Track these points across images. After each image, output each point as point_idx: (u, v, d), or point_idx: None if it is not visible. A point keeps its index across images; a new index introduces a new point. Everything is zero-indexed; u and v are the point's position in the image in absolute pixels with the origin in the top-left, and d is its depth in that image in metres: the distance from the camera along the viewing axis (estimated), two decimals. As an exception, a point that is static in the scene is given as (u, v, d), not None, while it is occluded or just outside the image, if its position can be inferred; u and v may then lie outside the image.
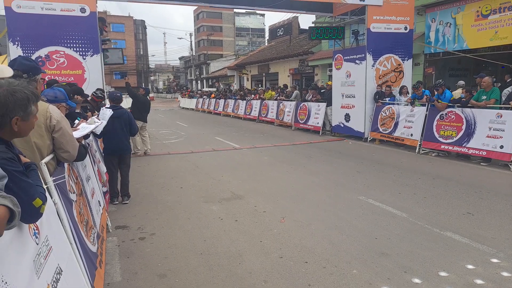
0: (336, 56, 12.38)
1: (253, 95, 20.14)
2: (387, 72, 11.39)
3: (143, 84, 59.22)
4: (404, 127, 9.94)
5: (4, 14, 7.78)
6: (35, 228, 1.75)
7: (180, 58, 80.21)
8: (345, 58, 11.94)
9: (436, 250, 3.82)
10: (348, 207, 5.24)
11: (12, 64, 2.58)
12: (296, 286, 3.20)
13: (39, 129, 2.47)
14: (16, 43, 7.77)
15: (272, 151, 9.94)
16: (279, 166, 8.07)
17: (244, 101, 20.13)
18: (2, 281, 1.30)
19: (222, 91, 30.78)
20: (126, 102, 12.10)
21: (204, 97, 29.39)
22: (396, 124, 10.23)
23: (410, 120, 9.78)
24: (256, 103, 18.63)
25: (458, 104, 8.72)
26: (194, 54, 63.11)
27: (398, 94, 10.95)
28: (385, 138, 10.61)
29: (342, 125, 12.19)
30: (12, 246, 1.47)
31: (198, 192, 6.12)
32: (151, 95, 54.22)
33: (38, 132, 2.47)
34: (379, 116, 10.86)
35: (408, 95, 10.60)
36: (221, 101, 23.90)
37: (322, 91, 13.95)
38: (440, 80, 9.53)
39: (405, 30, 11.39)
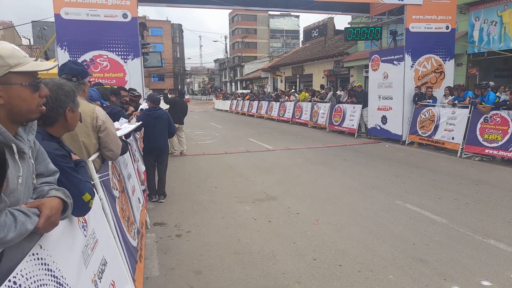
0: (373, 57, 12.11)
1: (286, 97, 20.11)
2: (427, 73, 10.99)
3: (179, 86, 60.77)
4: (445, 130, 9.54)
5: (54, 21, 8.30)
6: (83, 221, 1.87)
7: (215, 61, 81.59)
8: (382, 59, 11.65)
9: (478, 258, 3.64)
10: (384, 211, 5.11)
11: (62, 68, 2.76)
12: (329, 289, 3.17)
13: (86, 129, 2.62)
14: (64, 48, 8.25)
15: (305, 153, 9.88)
16: (312, 168, 8.01)
17: (278, 103, 20.14)
18: (56, 268, 1.40)
19: (256, 92, 30.97)
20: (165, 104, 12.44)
21: (238, 99, 29.70)
22: (436, 127, 9.84)
23: (452, 123, 9.38)
24: (289, 105, 18.59)
25: (504, 107, 8.26)
26: (228, 56, 63.97)
27: (442, 96, 10.50)
28: (424, 142, 10.23)
29: (379, 128, 11.89)
30: (64, 237, 1.58)
31: (232, 192, 6.20)
32: (186, 97, 55.55)
33: (86, 132, 2.62)
34: (418, 119, 10.49)
35: (450, 97, 10.15)
36: (255, 103, 24.05)
37: (352, 92, 13.65)
38: (489, 82, 9.09)
39: (447, 29, 10.94)
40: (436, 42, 10.88)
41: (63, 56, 8.05)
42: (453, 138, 9.26)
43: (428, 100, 10.47)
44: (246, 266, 3.60)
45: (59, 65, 2.91)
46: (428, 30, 10.77)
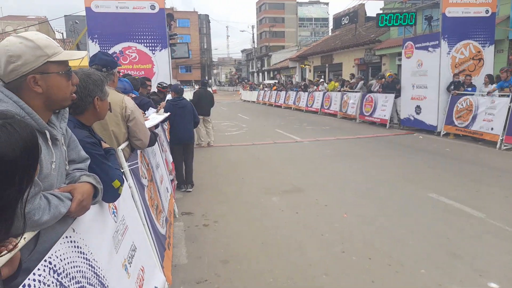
0: (406, 44, 11.64)
1: (315, 87, 19.80)
2: (465, 60, 10.45)
3: (206, 77, 61.15)
4: (484, 120, 9.06)
5: (85, 15, 8.52)
6: (113, 208, 1.91)
7: (242, 51, 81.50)
8: (416, 46, 11.18)
9: (519, 256, 3.45)
10: (417, 204, 4.94)
11: (93, 59, 2.81)
12: (358, 281, 3.11)
13: (116, 118, 2.67)
14: (94, 40, 8.46)
15: (334, 144, 9.71)
16: (342, 159, 7.86)
17: (306, 93, 19.87)
18: (88, 251, 1.44)
19: (283, 83, 30.70)
20: (189, 94, 12.55)
21: (266, 89, 29.56)
22: (474, 117, 9.37)
23: (491, 112, 8.89)
24: (318, 95, 18.29)
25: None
26: (256, 46, 63.68)
27: (482, 84, 9.94)
28: (461, 132, 9.78)
29: (412, 118, 11.48)
30: (95, 222, 1.61)
31: (259, 183, 6.19)
32: (214, 88, 55.93)
33: (115, 121, 2.67)
34: (455, 108, 10.02)
35: (490, 85, 9.58)
36: (282, 93, 23.85)
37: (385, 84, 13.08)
38: None
39: (487, 13, 10.32)
40: (474, 27, 10.29)
41: (94, 49, 8.26)
42: (492, 129, 8.79)
43: (467, 89, 9.95)
44: (273, 256, 3.58)
45: (90, 56, 2.98)
46: (466, 14, 10.20)
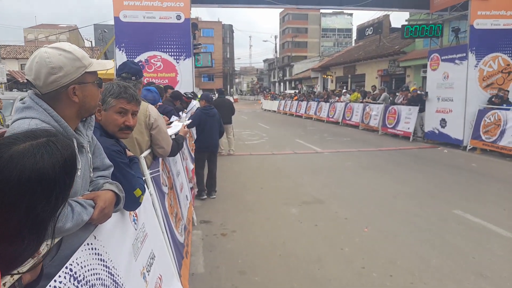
0: (432, 56, 11.41)
1: (337, 98, 19.65)
2: (493, 73, 10.13)
3: (228, 86, 61.83)
4: (513, 135, 8.73)
5: (113, 23, 8.80)
6: (134, 215, 1.92)
7: (264, 61, 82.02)
8: (442, 58, 10.94)
9: (552, 280, 3.26)
10: (441, 221, 4.78)
11: (122, 67, 2.89)
12: (379, 299, 3.01)
13: (139, 126, 2.73)
14: (122, 49, 8.71)
15: (356, 156, 9.56)
16: (363, 172, 7.72)
17: (327, 104, 19.74)
18: (109, 259, 1.45)
19: (304, 93, 30.62)
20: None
21: (286, 99, 29.55)
22: (502, 132, 9.04)
23: (521, 127, 8.55)
24: (340, 106, 18.12)
25: None
26: (278, 56, 63.96)
27: None
28: (488, 147, 9.44)
29: (437, 131, 11.18)
30: (116, 229, 1.63)
31: (278, 193, 6.15)
32: (235, 97, 56.26)
33: (139, 129, 2.72)
34: (482, 122, 9.70)
35: None
36: (303, 103, 23.78)
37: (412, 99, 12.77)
38: None
39: (517, 25, 10.00)
40: (504, 40, 9.98)
41: (120, 57, 8.50)
42: (522, 145, 8.45)
43: (502, 104, 9.58)
44: (291, 269, 3.53)
45: (117, 65, 3.07)
46: (495, 26, 9.92)
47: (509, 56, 10.13)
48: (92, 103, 1.47)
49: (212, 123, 5.94)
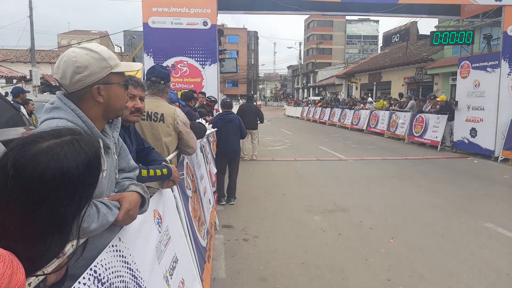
0: (462, 64, 11.04)
1: (362, 105, 19.34)
2: (528, 82, 9.69)
3: (252, 92, 62.07)
4: (549, 146, 8.30)
5: (142, 30, 9.02)
6: (158, 218, 1.92)
7: (288, 67, 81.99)
8: (473, 65, 10.57)
9: None
10: (471, 234, 4.57)
11: (152, 71, 2.94)
12: (405, 314, 2.89)
13: (168, 129, 2.77)
14: (150, 54, 8.90)
15: (381, 165, 9.34)
16: (388, 181, 7.52)
17: (352, 111, 19.46)
18: (132, 261, 1.44)
19: (328, 99, 30.34)
20: (235, 109, 12.73)
21: (310, 105, 29.36)
22: (537, 143, 8.61)
23: (558, 138, 8.12)
24: (365, 113, 17.83)
25: None
26: (302, 62, 63.80)
27: None
28: (522, 159, 9.01)
29: (466, 141, 10.78)
30: (140, 232, 1.62)
31: (301, 200, 6.07)
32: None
33: (167, 132, 2.77)
34: (515, 133, 9.29)
35: None
36: (327, 110, 23.55)
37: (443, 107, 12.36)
38: None
39: (555, 31, 9.55)
40: (540, 47, 9.56)
41: (148, 62, 8.69)
42: (559, 157, 8.01)
43: None
44: (313, 278, 3.45)
45: (146, 69, 3.14)
46: (531, 33, 9.52)
47: (545, 64, 9.67)
48: (118, 104, 1.46)
49: (228, 129, 5.88)
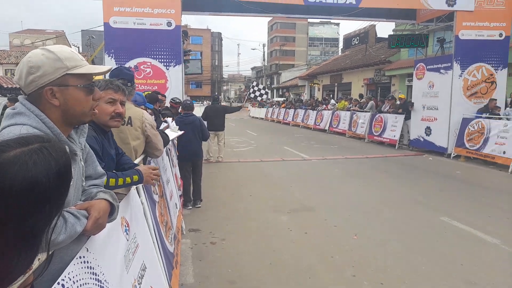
0: (418, 66, 11.65)
1: (324, 105, 19.83)
2: (477, 83, 10.40)
3: (216, 93, 61.69)
4: (496, 143, 8.94)
5: (103, 30, 8.72)
6: (126, 225, 1.88)
7: (252, 68, 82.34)
8: (428, 67, 11.18)
9: (537, 287, 3.32)
10: (429, 228, 4.83)
11: (117, 73, 2.85)
12: (370, 308, 3.01)
13: (136, 133, 2.72)
14: (111, 55, 8.62)
15: (343, 164, 9.63)
16: (351, 179, 7.78)
17: (314, 111, 19.91)
18: (100, 272, 1.40)
19: (292, 100, 30.83)
20: (199, 110, 12.62)
21: (274, 106, 29.69)
22: (486, 140, 9.26)
23: (504, 136, 8.78)
24: (327, 114, 18.30)
25: None
26: (266, 64, 64.31)
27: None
28: (472, 155, 9.65)
29: (422, 139, 11.38)
30: (108, 241, 1.58)
31: (267, 201, 6.13)
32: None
33: (135, 135, 2.72)
34: (466, 131, 9.93)
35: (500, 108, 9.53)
36: (291, 111, 23.93)
37: (397, 102, 13.06)
38: None
39: (500, 37, 10.31)
40: (487, 50, 10.29)
41: (109, 63, 8.41)
42: (504, 152, 8.66)
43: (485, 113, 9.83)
44: (281, 278, 3.51)
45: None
46: (479, 37, 10.21)
47: (492, 66, 10.42)
48: (77, 109, 1.37)
49: (188, 131, 5.74)
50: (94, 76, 1.51)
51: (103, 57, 8.79)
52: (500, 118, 9.40)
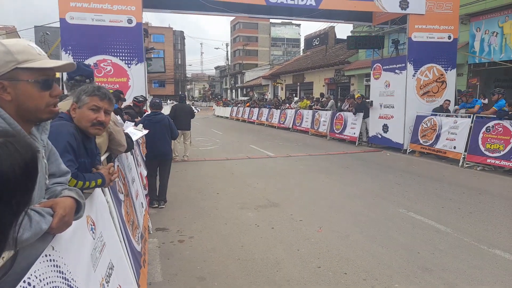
0: (374, 66, 12.16)
1: (287, 105, 20.15)
2: (429, 82, 11.04)
3: (180, 92, 60.78)
4: (447, 139, 9.55)
5: (58, 26, 8.34)
6: (92, 224, 1.85)
7: (216, 68, 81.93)
8: (384, 67, 11.71)
9: (485, 269, 3.61)
10: (388, 219, 5.09)
11: (75, 69, 2.75)
12: (335, 297, 3.14)
13: None
14: (68, 52, 8.27)
15: (307, 160, 9.87)
16: (314, 175, 7.99)
17: (278, 110, 20.19)
18: (67, 270, 1.38)
19: (256, 100, 31.04)
20: (167, 109, 12.43)
21: (239, 105, 29.75)
22: (438, 136, 9.85)
23: (454, 132, 9.39)
24: (290, 112, 18.62)
25: (506, 117, 8.28)
26: (229, 63, 64.23)
27: (454, 107, 10.62)
28: (426, 150, 10.23)
29: (380, 136, 11.90)
30: (74, 239, 1.55)
31: (234, 198, 6.17)
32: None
33: (99, 132, 2.67)
34: (420, 128, 10.51)
35: (456, 106, 10.27)
36: (255, 110, 24.10)
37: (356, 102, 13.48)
38: (499, 89, 9.28)
39: (449, 39, 11.01)
40: (438, 52, 10.95)
41: (66, 60, 8.05)
42: (454, 148, 9.27)
43: (440, 113, 10.43)
44: (249, 273, 3.56)
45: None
46: (430, 39, 10.84)
47: (442, 67, 11.10)
48: (30, 104, 1.32)
49: (157, 130, 5.65)
50: (56, 73, 1.45)
51: (59, 54, 8.40)
52: (450, 116, 10.04)
